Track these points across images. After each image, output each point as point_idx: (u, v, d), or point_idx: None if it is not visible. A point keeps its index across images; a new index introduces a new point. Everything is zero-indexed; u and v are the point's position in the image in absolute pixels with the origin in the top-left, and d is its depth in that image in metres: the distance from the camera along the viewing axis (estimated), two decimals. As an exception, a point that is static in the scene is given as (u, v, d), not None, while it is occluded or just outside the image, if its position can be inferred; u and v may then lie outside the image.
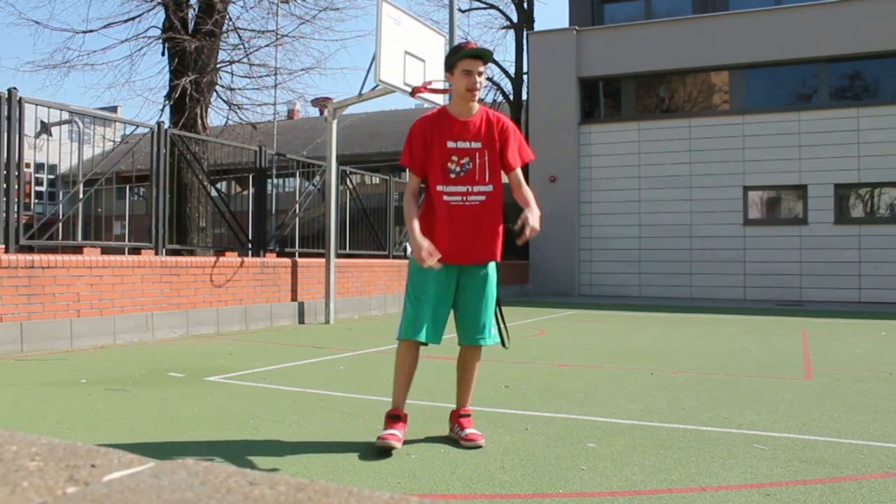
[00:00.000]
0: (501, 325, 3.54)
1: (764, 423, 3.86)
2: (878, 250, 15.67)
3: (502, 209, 3.52)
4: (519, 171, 3.54)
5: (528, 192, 3.50)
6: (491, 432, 3.50)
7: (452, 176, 3.40)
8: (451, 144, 3.41)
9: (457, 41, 13.21)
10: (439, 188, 3.40)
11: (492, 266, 3.51)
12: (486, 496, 2.65)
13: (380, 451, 3.17)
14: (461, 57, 3.38)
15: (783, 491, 2.71)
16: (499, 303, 3.54)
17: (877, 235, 15.73)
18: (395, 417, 3.35)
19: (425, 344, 3.39)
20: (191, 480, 0.82)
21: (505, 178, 3.50)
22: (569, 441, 3.44)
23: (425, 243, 3.28)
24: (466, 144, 3.41)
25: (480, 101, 3.54)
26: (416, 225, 3.37)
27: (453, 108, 3.49)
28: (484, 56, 3.40)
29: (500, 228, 3.51)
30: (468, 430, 3.36)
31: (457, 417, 3.46)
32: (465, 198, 3.40)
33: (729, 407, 4.32)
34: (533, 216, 3.28)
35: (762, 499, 2.62)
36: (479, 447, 3.27)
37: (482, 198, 3.41)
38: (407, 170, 3.52)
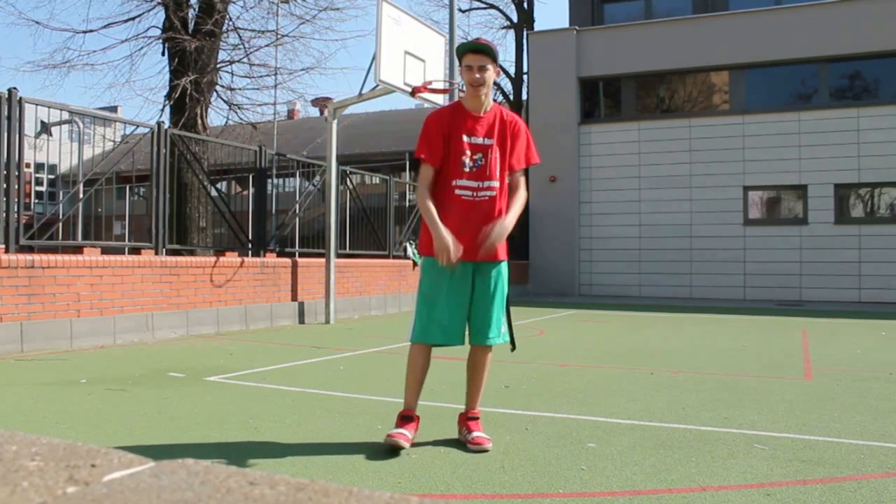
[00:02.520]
0: (511, 327, 3.52)
1: (764, 423, 3.86)
2: (878, 250, 15.67)
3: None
4: (520, 175, 3.53)
5: (518, 200, 3.45)
6: (491, 432, 3.50)
7: (466, 170, 3.40)
8: (465, 139, 3.41)
9: (457, 41, 13.21)
10: (453, 182, 3.40)
11: (504, 265, 3.51)
12: (486, 496, 2.64)
13: (388, 449, 3.20)
14: (461, 53, 3.42)
15: (783, 491, 2.71)
16: (508, 303, 3.53)
17: (877, 235, 15.73)
18: (406, 418, 3.37)
19: (439, 345, 3.40)
20: (191, 480, 0.82)
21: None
22: (569, 441, 3.44)
23: (450, 238, 3.24)
24: (480, 140, 3.42)
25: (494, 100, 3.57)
26: (437, 217, 3.31)
27: (467, 102, 3.49)
28: (480, 50, 3.38)
29: None
30: (475, 434, 3.34)
31: (465, 420, 3.45)
32: (475, 193, 3.40)
33: (729, 407, 4.31)
34: (496, 230, 3.27)
35: (762, 499, 2.62)
36: (486, 451, 3.25)
37: (492, 193, 3.41)
38: (421, 164, 3.46)
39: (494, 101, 3.56)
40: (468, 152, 3.40)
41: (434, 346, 3.43)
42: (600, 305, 14.53)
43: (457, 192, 3.39)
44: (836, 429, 3.75)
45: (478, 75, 3.36)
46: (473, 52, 3.38)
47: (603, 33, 18.44)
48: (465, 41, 3.52)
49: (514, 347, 3.57)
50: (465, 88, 3.50)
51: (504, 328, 3.47)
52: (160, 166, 8.27)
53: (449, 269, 3.28)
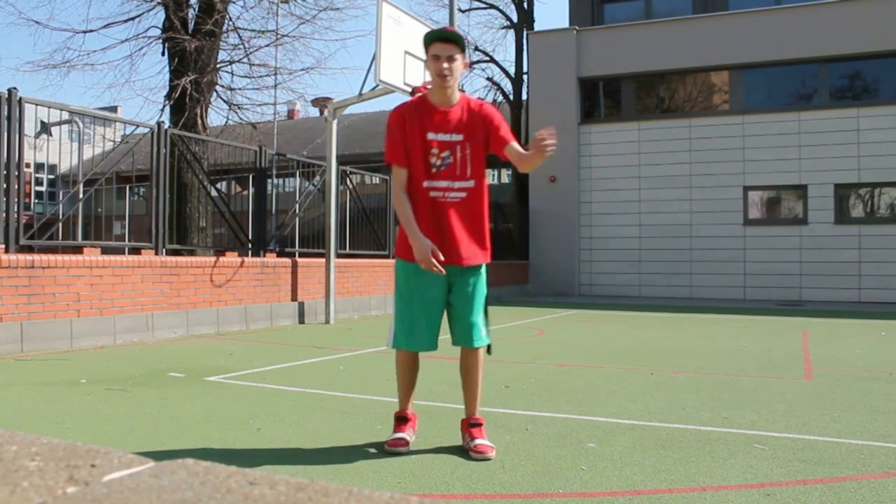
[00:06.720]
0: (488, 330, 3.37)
1: (764, 423, 3.86)
2: (878, 250, 15.66)
3: (487, 208, 3.34)
4: (515, 145, 3.26)
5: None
6: (491, 432, 3.49)
7: (434, 171, 3.22)
8: (431, 136, 3.21)
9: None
10: (424, 184, 3.22)
11: (484, 268, 3.35)
12: (486, 496, 2.64)
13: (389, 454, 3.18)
14: (428, 41, 3.20)
15: (783, 491, 2.71)
16: (487, 305, 3.38)
17: (877, 235, 15.73)
18: (401, 419, 3.35)
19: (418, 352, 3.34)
20: (191, 480, 0.82)
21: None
22: (569, 441, 3.44)
23: (428, 242, 3.09)
24: (447, 137, 3.22)
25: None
26: (414, 221, 3.15)
27: (432, 96, 3.27)
28: (449, 38, 3.17)
29: (486, 229, 3.34)
30: (478, 441, 3.19)
31: (467, 427, 3.30)
32: (445, 194, 3.22)
33: (729, 407, 4.31)
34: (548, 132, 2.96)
35: (762, 499, 2.62)
36: (489, 460, 3.09)
37: (463, 194, 3.24)
38: (392, 168, 3.28)
39: (462, 91, 3.32)
40: (435, 150, 3.20)
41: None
42: (600, 305, 14.53)
43: (431, 193, 3.22)
44: (836, 429, 3.75)
45: (446, 65, 3.14)
46: (441, 41, 3.16)
47: (603, 33, 18.44)
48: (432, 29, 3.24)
49: (490, 351, 3.41)
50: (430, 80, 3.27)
51: (485, 331, 3.32)
52: (160, 166, 8.27)
53: (434, 272, 3.11)
